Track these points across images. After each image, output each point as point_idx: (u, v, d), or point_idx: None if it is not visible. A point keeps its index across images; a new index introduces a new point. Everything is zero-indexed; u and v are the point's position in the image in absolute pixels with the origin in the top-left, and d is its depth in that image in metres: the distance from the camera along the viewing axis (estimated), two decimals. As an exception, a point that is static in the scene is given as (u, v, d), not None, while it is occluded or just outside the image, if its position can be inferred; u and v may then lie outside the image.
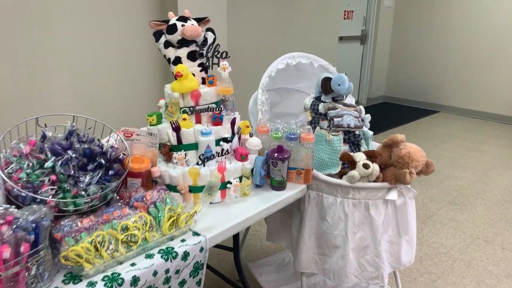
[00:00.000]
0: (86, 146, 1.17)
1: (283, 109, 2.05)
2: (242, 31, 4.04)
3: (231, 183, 1.32)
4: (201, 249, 1.11)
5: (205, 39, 1.44)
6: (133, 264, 0.99)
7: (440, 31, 5.79)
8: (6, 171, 1.05)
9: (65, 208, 1.05)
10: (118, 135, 1.28)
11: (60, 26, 2.70)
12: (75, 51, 2.81)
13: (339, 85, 1.57)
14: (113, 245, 0.99)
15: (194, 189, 1.29)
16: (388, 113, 5.93)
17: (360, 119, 1.63)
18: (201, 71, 1.42)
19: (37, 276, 0.87)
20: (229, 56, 1.40)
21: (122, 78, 3.11)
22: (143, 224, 1.06)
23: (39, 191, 1.03)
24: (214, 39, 1.47)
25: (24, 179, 1.05)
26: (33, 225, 0.87)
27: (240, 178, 1.36)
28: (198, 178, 1.27)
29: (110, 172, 1.17)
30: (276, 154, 1.39)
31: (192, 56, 1.39)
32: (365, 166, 1.39)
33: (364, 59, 6.28)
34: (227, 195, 1.34)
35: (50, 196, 1.03)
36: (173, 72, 1.33)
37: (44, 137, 1.17)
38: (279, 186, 1.43)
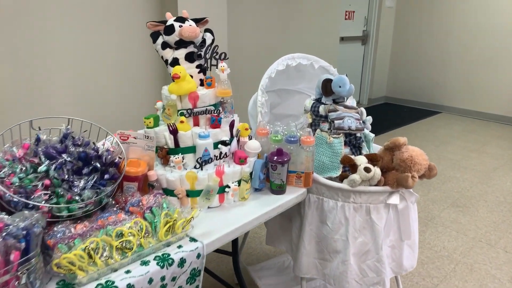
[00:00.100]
0: (81, 149, 1.14)
1: (283, 111, 2.03)
2: (242, 31, 4.01)
3: (229, 187, 1.29)
4: (198, 256, 1.09)
5: (204, 40, 1.42)
6: (127, 272, 0.97)
7: (441, 31, 5.76)
8: (-2, 175, 1.03)
9: (58, 214, 1.02)
10: (114, 138, 1.25)
11: (60, 26, 2.68)
12: (75, 52, 2.79)
13: (340, 86, 1.54)
14: (107, 252, 0.97)
15: (191, 194, 1.26)
16: (389, 114, 5.89)
17: (361, 121, 1.60)
18: (199, 72, 1.39)
19: (27, 285, 0.84)
20: (228, 58, 1.38)
21: (122, 79, 3.09)
22: (138, 230, 1.03)
23: (32, 196, 1.01)
24: (213, 40, 1.45)
25: (17, 184, 1.02)
26: (24, 232, 0.84)
27: (239, 182, 1.33)
28: (196, 182, 1.24)
29: (106, 176, 1.15)
30: (275, 158, 1.37)
31: (190, 58, 1.36)
32: (367, 169, 1.36)
33: (365, 60, 6.25)
34: (225, 199, 1.32)
35: (43, 202, 1.00)
36: (170, 74, 1.30)
37: (38, 140, 1.15)
38: (279, 190, 1.41)
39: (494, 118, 5.44)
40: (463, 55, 5.61)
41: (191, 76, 1.35)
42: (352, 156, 1.45)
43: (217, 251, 1.57)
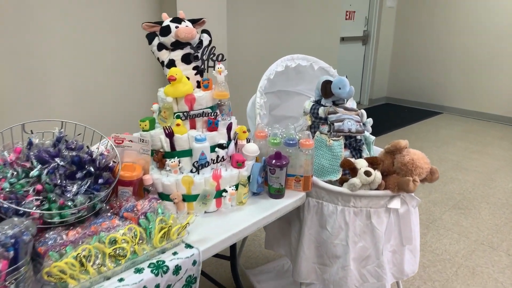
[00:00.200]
0: (74, 153, 1.12)
1: (283, 112, 2.00)
2: (242, 31, 3.99)
3: (226, 191, 1.27)
4: (194, 262, 1.06)
5: (201, 41, 1.39)
6: (121, 280, 0.94)
7: (442, 31, 5.72)
8: (-12, 180, 1.00)
9: (50, 220, 1.00)
10: (109, 141, 1.22)
11: (58, 26, 2.66)
12: (73, 52, 2.77)
13: (339, 88, 1.51)
14: (100, 259, 0.94)
15: (187, 198, 1.23)
16: (390, 115, 5.86)
17: (361, 124, 1.57)
18: (196, 74, 1.36)
19: (16, 295, 0.82)
20: (225, 59, 1.35)
21: (121, 80, 3.06)
22: (132, 237, 1.01)
23: (23, 202, 0.98)
24: (210, 41, 1.42)
25: (8, 189, 0.99)
26: (13, 240, 0.82)
27: (236, 186, 1.30)
28: (192, 187, 1.22)
29: (100, 181, 1.12)
30: (273, 161, 1.34)
31: (186, 59, 1.34)
32: (367, 173, 1.33)
33: (366, 60, 6.22)
34: (222, 204, 1.29)
35: (34, 207, 0.97)
36: (166, 76, 1.27)
37: (30, 144, 1.12)
38: (277, 194, 1.38)
39: (495, 119, 5.41)
40: (464, 55, 5.57)
41: (188, 78, 1.32)
42: (352, 160, 1.42)
43: (215, 255, 1.55)
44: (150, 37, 1.34)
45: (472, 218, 2.81)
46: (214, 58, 1.35)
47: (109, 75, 2.99)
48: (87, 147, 1.18)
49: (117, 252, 0.96)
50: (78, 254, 0.91)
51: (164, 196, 1.23)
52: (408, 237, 1.44)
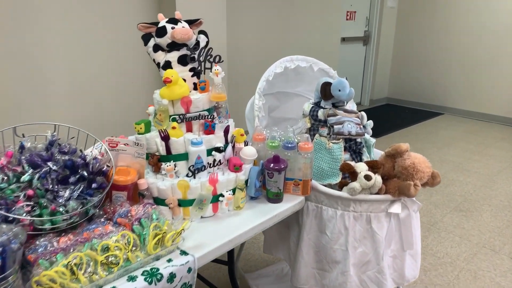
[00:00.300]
0: (67, 157, 1.09)
1: (282, 114, 1.97)
2: (242, 32, 3.96)
3: (223, 196, 1.24)
4: (189, 270, 1.03)
5: (197, 42, 1.36)
6: (113, 288, 0.91)
7: (444, 31, 5.69)
8: (-23, 186, 0.98)
9: (41, 227, 0.97)
10: (103, 145, 1.20)
11: (57, 27, 2.64)
12: (71, 53, 2.74)
13: (339, 90, 1.48)
14: (91, 267, 0.91)
15: (183, 203, 1.20)
16: (391, 115, 5.83)
17: (361, 126, 1.55)
18: (192, 76, 1.34)
19: (4, 305, 0.79)
20: (222, 60, 1.32)
21: (120, 81, 3.04)
22: (125, 243, 0.98)
23: (14, 208, 0.95)
24: (207, 42, 1.39)
25: (-3, 195, 0.97)
26: (0, 249, 0.79)
27: (234, 190, 1.28)
28: (188, 191, 1.19)
29: (93, 185, 1.09)
30: (272, 165, 1.31)
31: (183, 61, 1.31)
32: (367, 177, 1.30)
33: (366, 60, 6.19)
34: (219, 209, 1.26)
35: (25, 214, 0.95)
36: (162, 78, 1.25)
37: (22, 147, 1.10)
38: (276, 198, 1.35)
39: (497, 120, 5.37)
40: (466, 56, 5.54)
41: (184, 80, 1.29)
42: (352, 163, 1.39)
43: (212, 260, 1.52)
44: (146, 38, 1.32)
45: (473, 220, 2.78)
46: (211, 59, 1.32)
47: (107, 76, 2.97)
48: (80, 150, 1.15)
49: (110, 259, 0.94)
50: (69, 262, 0.89)
51: (159, 201, 1.20)
52: (409, 242, 1.42)
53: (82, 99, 2.85)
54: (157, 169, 1.24)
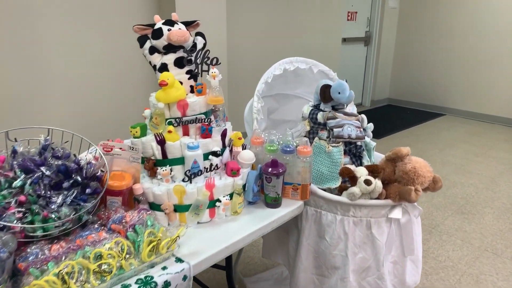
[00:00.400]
0: (60, 162, 1.07)
1: (281, 116, 1.95)
2: (242, 32, 3.94)
3: (220, 201, 1.21)
4: (185, 278, 1.01)
5: (194, 44, 1.34)
6: (106, 297, 0.89)
7: (445, 32, 5.66)
8: (-32, 192, 0.96)
9: (32, 234, 0.95)
10: (97, 149, 1.17)
11: (56, 28, 2.62)
12: (69, 54, 2.72)
13: (339, 93, 1.46)
14: (83, 276, 0.89)
15: (179, 208, 1.18)
16: (392, 116, 5.80)
17: (361, 129, 1.52)
18: (189, 78, 1.31)
19: (-8, 316, 0.77)
20: (220, 63, 1.30)
21: (118, 82, 3.02)
22: (119, 251, 0.96)
23: (4, 214, 0.93)
24: (204, 44, 1.37)
25: (-12, 201, 0.95)
26: (-12, 258, 0.77)
27: (231, 195, 1.25)
28: (184, 196, 1.17)
29: (87, 191, 1.07)
30: (270, 169, 1.28)
31: (179, 63, 1.29)
32: (367, 182, 1.28)
33: (368, 61, 6.16)
34: (216, 214, 1.24)
35: (16, 221, 0.93)
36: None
37: (14, 152, 1.07)
38: (274, 203, 1.33)
39: (499, 121, 5.33)
40: (468, 57, 5.51)
41: (181, 83, 1.27)
42: (352, 167, 1.37)
43: (209, 266, 1.50)
44: (142, 40, 1.29)
45: (475, 223, 2.75)
46: (208, 62, 1.29)
47: (104, 78, 2.95)
48: (74, 155, 1.13)
49: (103, 267, 0.91)
50: (60, 270, 0.86)
51: (155, 206, 1.18)
52: (410, 247, 1.39)
53: (78, 101, 2.83)
54: (153, 174, 1.21)
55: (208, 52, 1.30)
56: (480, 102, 5.51)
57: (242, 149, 1.35)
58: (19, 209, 0.96)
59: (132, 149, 1.16)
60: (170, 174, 1.19)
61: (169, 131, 1.20)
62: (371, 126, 1.59)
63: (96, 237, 0.99)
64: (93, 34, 2.81)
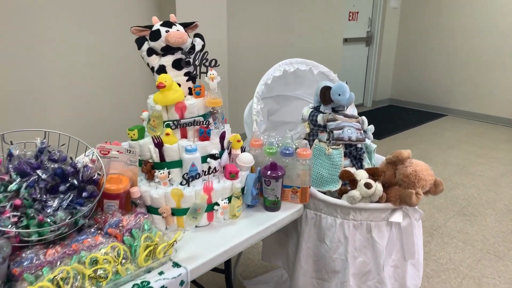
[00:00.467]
0: (56, 165, 1.06)
1: (281, 118, 1.94)
2: (243, 33, 3.92)
3: (218, 204, 1.20)
4: (182, 283, 1.00)
5: (193, 46, 1.33)
6: (101, 303, 0.88)
7: (447, 32, 5.63)
8: (-37, 196, 0.94)
9: (27, 238, 0.94)
10: (94, 152, 1.16)
11: (56, 28, 2.61)
12: (66, 55, 2.71)
13: (339, 95, 1.44)
14: (79, 281, 0.88)
15: (177, 212, 1.17)
16: (394, 117, 5.78)
17: (362, 131, 1.50)
18: (187, 80, 1.30)
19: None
20: (218, 65, 1.28)
21: (119, 83, 3.01)
22: (115, 256, 0.94)
23: (-1, 218, 0.92)
24: (203, 46, 1.35)
25: (-17, 205, 0.94)
26: (-19, 264, 0.76)
27: (229, 199, 1.24)
28: (182, 200, 1.15)
29: (84, 194, 1.06)
30: (269, 172, 1.27)
31: (177, 65, 1.27)
32: (367, 185, 1.26)
33: (369, 61, 6.14)
34: (214, 218, 1.22)
35: (10, 225, 0.91)
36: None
37: (10, 155, 1.06)
38: (273, 206, 1.31)
39: (502, 122, 5.30)
40: (470, 57, 5.48)
41: (179, 85, 1.26)
42: (352, 170, 1.35)
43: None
44: (140, 41, 1.28)
45: (477, 225, 2.73)
46: (207, 63, 1.28)
47: (106, 79, 2.94)
48: (71, 158, 1.12)
49: (98, 273, 0.90)
50: (55, 276, 0.85)
51: (152, 210, 1.17)
52: (411, 251, 1.37)
53: (77, 102, 2.82)
54: (150, 177, 1.20)
55: (206, 53, 1.28)
56: (482, 103, 5.48)
57: (241, 152, 1.33)
58: (14, 213, 0.95)
59: (130, 152, 1.15)
60: (168, 177, 1.18)
61: (167, 134, 1.18)
62: (371, 128, 1.58)
63: (92, 241, 0.98)
64: (93, 35, 2.80)
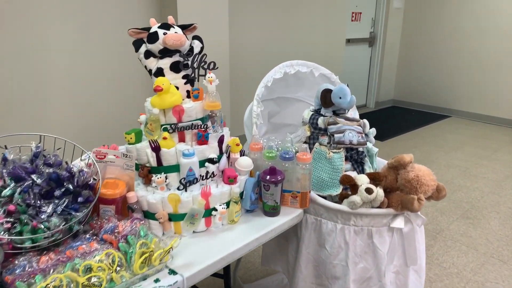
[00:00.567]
0: (51, 170, 1.04)
1: (282, 120, 1.91)
2: (245, 33, 3.91)
3: (216, 210, 1.18)
4: (178, 291, 0.98)
5: (191, 48, 1.31)
6: (95, 312, 0.86)
7: (451, 32, 5.59)
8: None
9: (20, 245, 0.92)
10: (90, 156, 1.14)
11: (56, 29, 2.60)
12: (64, 55, 2.70)
13: (340, 98, 1.42)
14: (72, 290, 0.86)
15: (174, 217, 1.15)
16: (397, 118, 5.74)
17: (363, 135, 1.48)
18: (185, 83, 1.28)
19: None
20: (217, 67, 1.26)
21: (118, 86, 2.99)
22: (110, 263, 0.93)
23: (-8, 225, 0.91)
24: (202, 48, 1.33)
25: (-24, 211, 0.92)
26: (-29, 273, 0.74)
27: (228, 204, 1.22)
28: (179, 205, 1.13)
29: (79, 199, 1.04)
30: (268, 177, 1.25)
31: (175, 67, 1.25)
32: (368, 191, 1.24)
33: (372, 62, 6.11)
34: (212, 223, 1.20)
35: (3, 232, 0.90)
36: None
37: (5, 159, 1.05)
38: (272, 211, 1.29)
39: (505, 123, 5.26)
40: (473, 58, 5.44)
41: (177, 88, 1.24)
42: (353, 175, 1.33)
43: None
44: (137, 44, 1.26)
45: (481, 228, 2.70)
46: (205, 66, 1.26)
47: (106, 80, 2.92)
48: (66, 162, 1.10)
49: (92, 281, 0.88)
50: (48, 284, 0.83)
51: (149, 215, 1.15)
52: (413, 257, 1.35)
53: (75, 105, 2.81)
54: (147, 181, 1.18)
55: (205, 56, 1.26)
56: (486, 104, 5.44)
57: (240, 155, 1.31)
58: (8, 219, 0.93)
59: (126, 156, 1.13)
60: (165, 181, 1.16)
61: (164, 138, 1.16)
62: (373, 131, 1.55)
63: (87, 248, 0.96)
64: (93, 38, 2.79)
